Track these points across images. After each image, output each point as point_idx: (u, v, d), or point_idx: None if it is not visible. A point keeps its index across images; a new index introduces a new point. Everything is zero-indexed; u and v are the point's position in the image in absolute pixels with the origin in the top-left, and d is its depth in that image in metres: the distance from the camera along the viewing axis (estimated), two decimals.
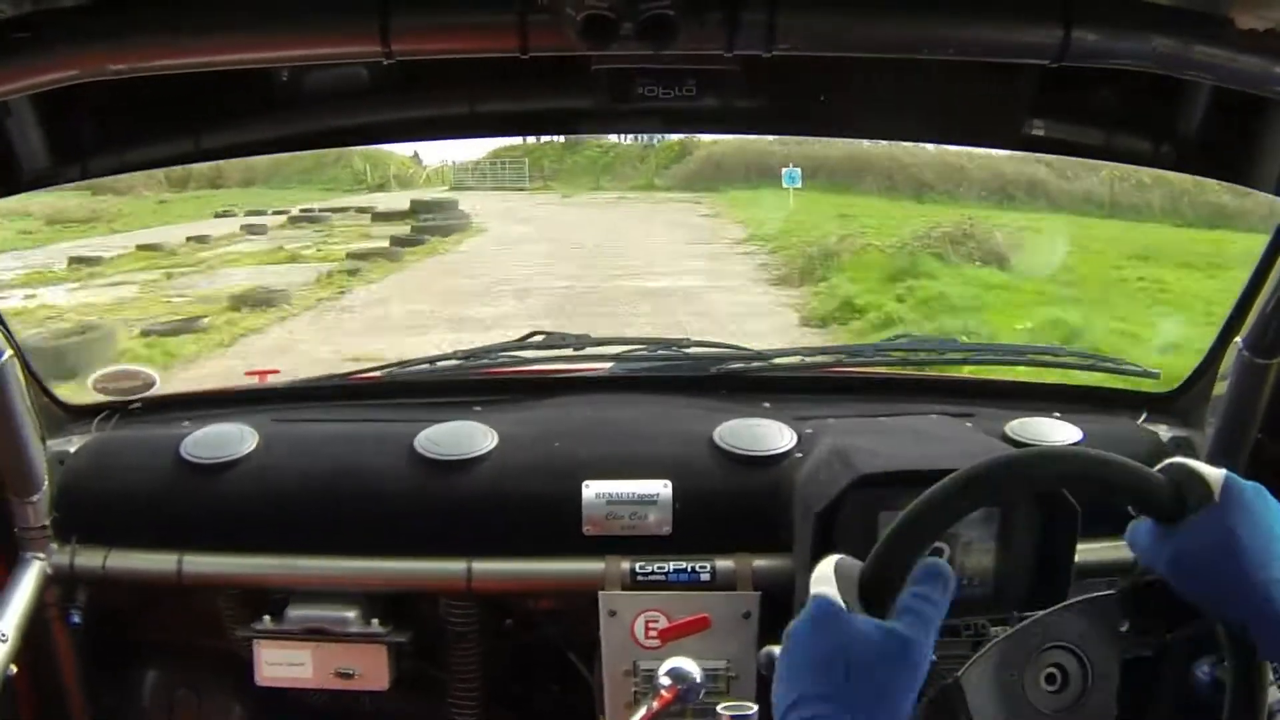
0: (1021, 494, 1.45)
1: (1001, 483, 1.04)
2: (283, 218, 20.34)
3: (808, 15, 1.16)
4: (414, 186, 24.66)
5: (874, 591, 0.96)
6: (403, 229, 18.63)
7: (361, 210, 21.06)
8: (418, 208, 20.62)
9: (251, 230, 18.87)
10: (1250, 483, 1.04)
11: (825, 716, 0.88)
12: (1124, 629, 1.09)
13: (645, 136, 22.41)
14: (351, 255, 16.23)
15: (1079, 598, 1.11)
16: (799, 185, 17.80)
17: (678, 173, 23.25)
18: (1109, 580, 1.18)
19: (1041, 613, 1.12)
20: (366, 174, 24.46)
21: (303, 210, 21.06)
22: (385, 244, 17.40)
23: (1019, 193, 17.26)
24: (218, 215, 20.12)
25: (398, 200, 21.22)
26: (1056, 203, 16.65)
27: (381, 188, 24.04)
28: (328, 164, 23.74)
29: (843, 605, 0.94)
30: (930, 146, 18.94)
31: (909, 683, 0.92)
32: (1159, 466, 1.06)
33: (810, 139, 16.99)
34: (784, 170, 17.40)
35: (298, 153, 1.58)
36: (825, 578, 0.97)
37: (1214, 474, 1.04)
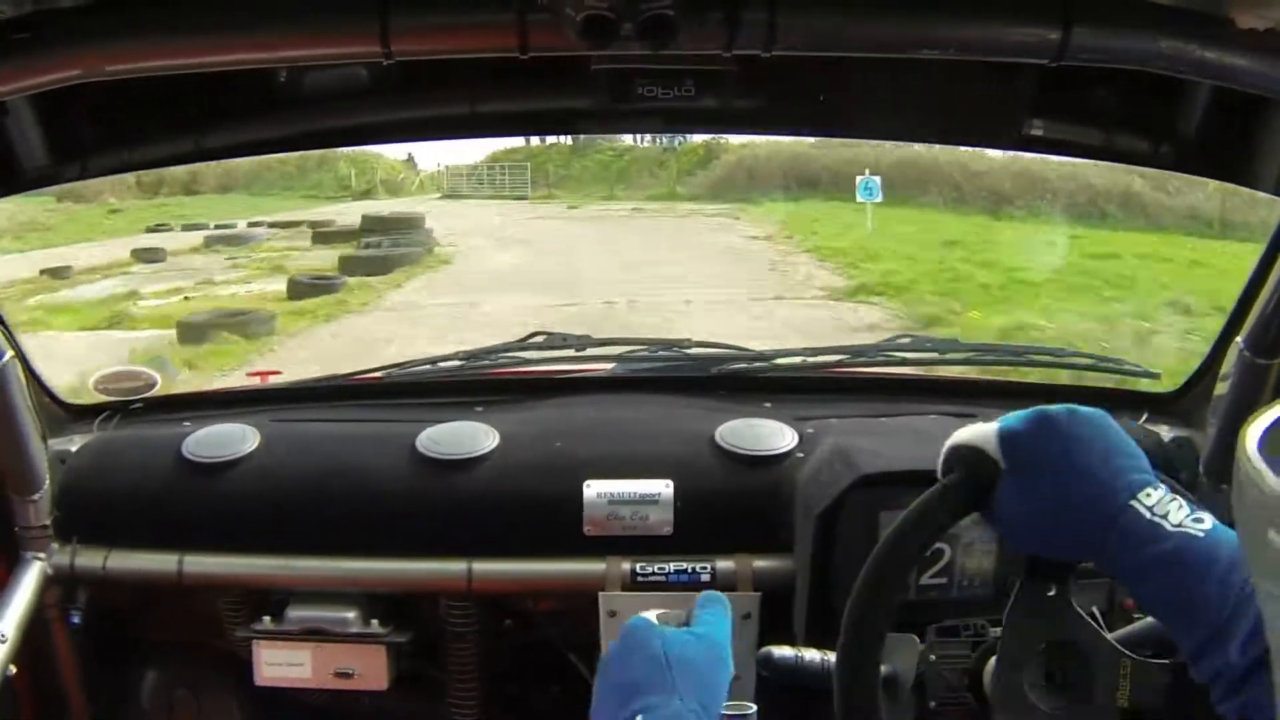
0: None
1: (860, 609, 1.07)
2: (220, 233, 16.67)
3: (808, 15, 1.16)
4: (404, 194, 21.80)
5: None
6: (335, 256, 14.17)
7: (314, 225, 17.21)
8: (368, 225, 16.05)
9: (145, 258, 14.85)
10: (1025, 419, 1.02)
11: (661, 703, 0.95)
12: (1053, 594, 1.08)
13: (666, 138, 19.86)
14: (184, 330, 9.98)
15: (1009, 605, 1.11)
16: (878, 199, 14.40)
17: (703, 180, 20.40)
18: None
19: (994, 635, 1.13)
20: (351, 179, 21.91)
21: (250, 223, 17.79)
22: (283, 289, 12.35)
23: (1111, 207, 15.11)
24: (150, 230, 17.04)
25: (360, 212, 17.51)
26: (1156, 220, 14.39)
27: (368, 195, 21.19)
28: (311, 168, 21.11)
29: (655, 623, 1.03)
30: (998, 152, 16.17)
31: (725, 675, 1.04)
32: (941, 461, 1.08)
33: (860, 143, 14.19)
34: (859, 180, 14.15)
35: (296, 152, 1.58)
36: (645, 614, 1.07)
37: (988, 440, 1.02)
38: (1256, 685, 0.85)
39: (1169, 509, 0.94)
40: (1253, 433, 0.66)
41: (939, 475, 1.08)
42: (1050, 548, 1.02)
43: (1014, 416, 1.03)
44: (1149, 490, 0.95)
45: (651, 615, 1.06)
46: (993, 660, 1.12)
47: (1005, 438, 1.01)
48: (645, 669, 0.97)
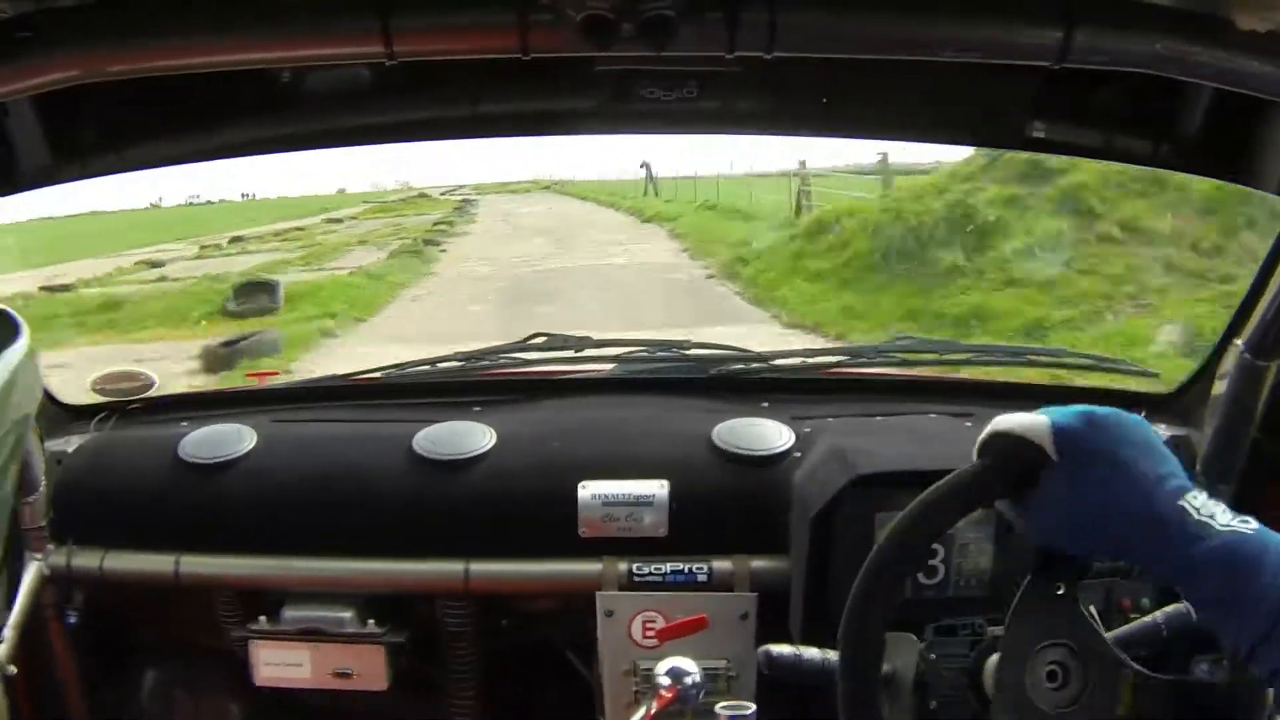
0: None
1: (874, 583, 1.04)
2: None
3: (808, 15, 1.16)
4: None
5: None
6: None
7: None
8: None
9: None
10: (1076, 415, 1.01)
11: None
12: (1062, 592, 1.08)
13: None
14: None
15: (1014, 601, 1.10)
16: None
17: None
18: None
19: (999, 630, 1.12)
20: None
21: None
22: None
23: None
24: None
25: None
26: None
27: None
28: None
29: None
30: None
31: None
32: (979, 444, 1.05)
33: None
34: None
35: (300, 152, 1.57)
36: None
37: (1039, 429, 1.01)
38: None
39: (1214, 510, 0.94)
40: None
41: (975, 457, 1.06)
42: (1085, 544, 1.02)
43: (1061, 412, 1.02)
44: (1193, 493, 0.96)
45: None
46: (993, 659, 1.12)
47: (1059, 430, 1.00)
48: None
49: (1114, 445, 0.99)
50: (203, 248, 19.66)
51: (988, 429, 1.05)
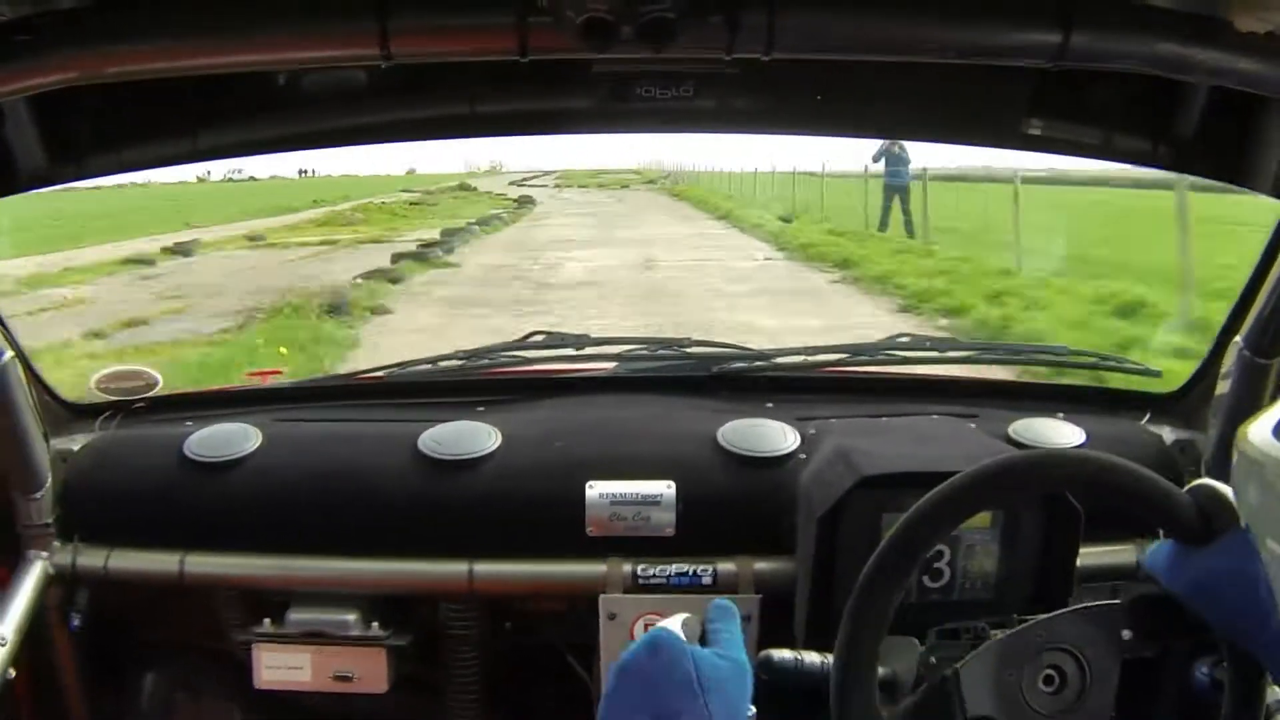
0: (1038, 494, 1.46)
1: (1024, 482, 1.05)
2: None
3: (807, 18, 1.16)
4: None
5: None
6: None
7: None
8: None
9: None
10: None
11: None
12: (1126, 637, 1.10)
13: None
14: None
15: (1084, 604, 1.11)
16: None
17: None
18: (1112, 586, 1.18)
19: (1043, 616, 1.12)
20: None
21: None
22: None
23: None
24: None
25: None
26: None
27: None
28: None
29: (683, 638, 1.00)
30: None
31: (747, 698, 1.01)
32: (1187, 488, 1.07)
33: None
34: None
35: (293, 152, 1.58)
36: (669, 623, 1.04)
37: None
38: None
39: None
40: (1261, 427, 0.67)
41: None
42: (1219, 610, 1.05)
43: None
44: None
45: (675, 625, 1.02)
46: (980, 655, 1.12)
47: None
48: (679, 694, 0.96)
49: None
50: None
51: (1196, 481, 1.08)
